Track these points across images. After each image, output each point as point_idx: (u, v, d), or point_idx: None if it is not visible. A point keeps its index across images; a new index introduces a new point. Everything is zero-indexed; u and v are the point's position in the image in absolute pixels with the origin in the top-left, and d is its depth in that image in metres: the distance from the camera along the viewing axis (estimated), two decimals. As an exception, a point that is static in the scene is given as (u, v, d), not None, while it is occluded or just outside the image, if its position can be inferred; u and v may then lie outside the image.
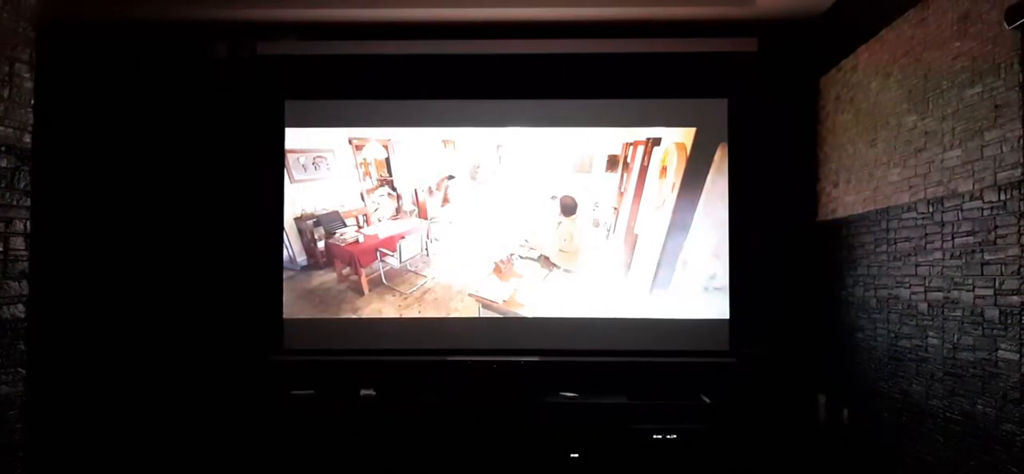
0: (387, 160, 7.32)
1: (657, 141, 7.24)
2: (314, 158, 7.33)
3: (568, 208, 7.24)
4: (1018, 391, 4.12)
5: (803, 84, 7.24)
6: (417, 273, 7.28)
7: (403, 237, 7.29)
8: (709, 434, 6.63)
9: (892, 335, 5.63)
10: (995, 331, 4.36)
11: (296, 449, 6.73)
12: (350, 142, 7.31)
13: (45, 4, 5.32)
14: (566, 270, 7.24)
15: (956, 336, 4.76)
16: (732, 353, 7.08)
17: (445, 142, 7.32)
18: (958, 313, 4.74)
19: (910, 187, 5.34)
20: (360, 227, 7.30)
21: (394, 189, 7.31)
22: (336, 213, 7.31)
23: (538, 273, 7.25)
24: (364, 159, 7.31)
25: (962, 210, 4.67)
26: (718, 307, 7.17)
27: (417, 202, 7.30)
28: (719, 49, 7.21)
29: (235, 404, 7.11)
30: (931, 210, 5.05)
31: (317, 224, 7.29)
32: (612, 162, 7.25)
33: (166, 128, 7.40)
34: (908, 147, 5.36)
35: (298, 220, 7.30)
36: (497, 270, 7.27)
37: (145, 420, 7.15)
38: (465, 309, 7.26)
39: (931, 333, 5.07)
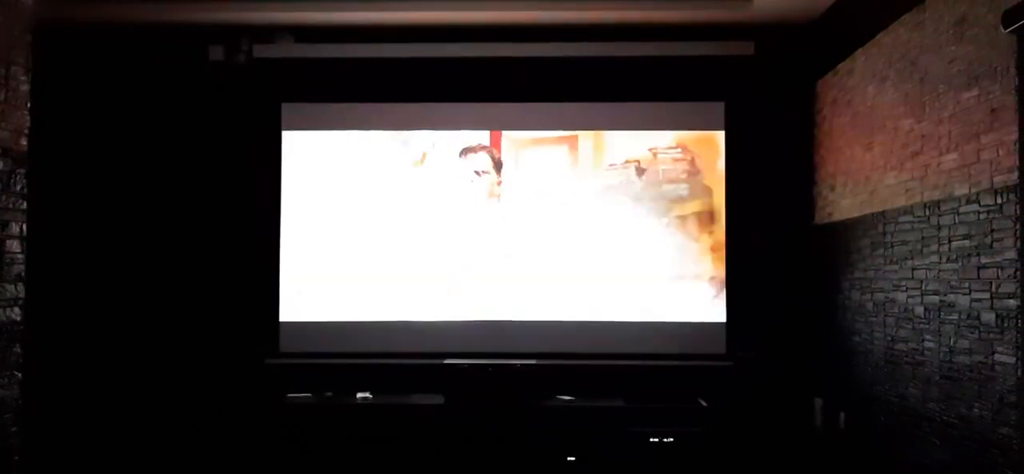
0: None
1: (657, 145, 7.25)
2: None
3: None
4: (1014, 394, 4.13)
5: (800, 87, 7.25)
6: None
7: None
8: (706, 438, 6.62)
9: (889, 339, 5.63)
10: (991, 335, 4.36)
11: (293, 453, 6.72)
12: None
13: (41, 7, 5.32)
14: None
15: (952, 340, 4.77)
16: (729, 357, 7.08)
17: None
18: (954, 317, 4.74)
19: (906, 191, 5.34)
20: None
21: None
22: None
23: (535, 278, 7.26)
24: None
25: (958, 214, 4.68)
26: (715, 310, 7.17)
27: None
28: (716, 52, 7.21)
29: (231, 408, 7.10)
30: (927, 214, 5.06)
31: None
32: (609, 166, 7.26)
33: (163, 131, 7.39)
34: (904, 150, 5.36)
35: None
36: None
37: (142, 424, 7.14)
38: (462, 312, 7.25)
39: (927, 337, 5.07)
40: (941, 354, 4.90)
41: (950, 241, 4.79)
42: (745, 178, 7.27)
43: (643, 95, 7.34)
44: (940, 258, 4.91)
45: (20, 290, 4.37)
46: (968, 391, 4.59)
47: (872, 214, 5.90)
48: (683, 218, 7.23)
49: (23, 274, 4.38)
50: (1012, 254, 4.14)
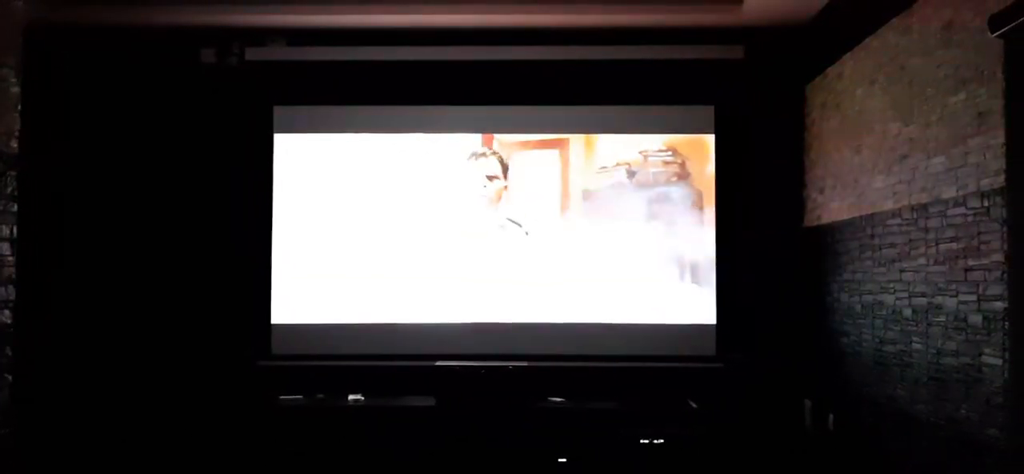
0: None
1: (648, 148, 7.28)
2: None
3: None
4: (1001, 396, 4.16)
5: (789, 91, 7.28)
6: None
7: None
8: (696, 439, 6.65)
9: (877, 340, 5.66)
10: (978, 336, 4.39)
11: (284, 455, 6.72)
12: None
13: (32, 8, 5.32)
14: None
15: (940, 341, 4.80)
16: (719, 359, 7.11)
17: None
18: (942, 319, 4.77)
19: (895, 194, 5.38)
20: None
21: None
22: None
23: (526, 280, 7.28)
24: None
25: (946, 216, 4.71)
26: (705, 313, 7.19)
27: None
28: (706, 56, 7.24)
29: (223, 411, 7.11)
30: (915, 216, 5.09)
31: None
32: (600, 169, 7.29)
33: (155, 133, 7.38)
34: (893, 154, 5.40)
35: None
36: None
37: (133, 426, 7.13)
38: (454, 315, 7.27)
39: (915, 338, 5.10)
40: (929, 356, 4.93)
41: (938, 244, 4.82)
42: (735, 181, 7.29)
43: (634, 98, 7.36)
44: (928, 260, 4.94)
45: (11, 292, 4.37)
46: (956, 392, 4.62)
47: (861, 216, 5.94)
48: (673, 220, 7.25)
49: (14, 276, 4.39)
50: (999, 256, 4.17)
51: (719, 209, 7.24)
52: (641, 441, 6.64)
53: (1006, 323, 4.12)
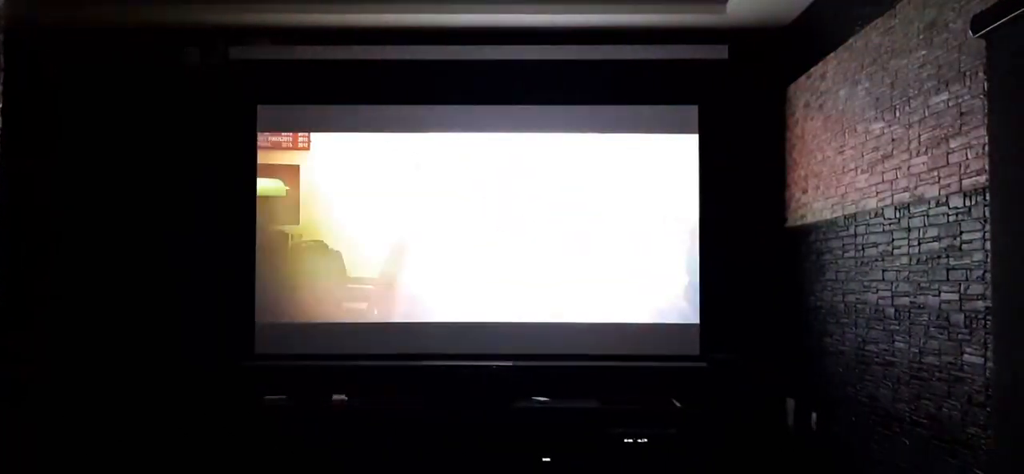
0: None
1: (632, 147, 7.30)
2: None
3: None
4: (982, 395, 4.18)
5: (773, 91, 7.31)
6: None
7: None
8: (680, 438, 6.67)
9: (860, 340, 5.69)
10: (960, 335, 4.41)
11: (268, 455, 6.70)
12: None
13: (12, 7, 5.28)
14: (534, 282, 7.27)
15: (922, 340, 4.82)
16: (702, 358, 7.13)
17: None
18: (924, 318, 4.80)
19: (877, 193, 5.40)
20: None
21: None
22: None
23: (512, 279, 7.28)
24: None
25: (928, 216, 4.74)
26: (689, 312, 7.22)
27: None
28: (690, 56, 7.28)
29: (206, 410, 7.09)
30: (898, 216, 5.12)
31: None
32: (584, 167, 7.30)
33: (138, 132, 7.35)
34: (875, 153, 5.43)
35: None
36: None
37: (116, 427, 7.10)
38: (439, 314, 7.26)
39: (898, 337, 5.13)
40: (911, 355, 4.95)
41: (920, 243, 4.85)
42: (718, 181, 7.32)
43: (618, 98, 7.38)
44: (910, 260, 4.97)
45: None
46: (937, 391, 4.65)
47: (844, 216, 5.97)
48: (657, 220, 7.27)
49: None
50: (980, 256, 4.19)
51: (703, 209, 7.26)
52: (625, 440, 6.65)
53: (987, 322, 4.14)
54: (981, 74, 4.15)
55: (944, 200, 4.56)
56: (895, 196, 5.15)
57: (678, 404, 6.87)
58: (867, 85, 5.57)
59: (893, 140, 5.17)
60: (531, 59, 7.30)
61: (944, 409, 4.58)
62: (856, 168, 5.75)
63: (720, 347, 7.12)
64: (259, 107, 7.36)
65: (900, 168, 5.08)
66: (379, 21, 7.04)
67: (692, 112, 7.33)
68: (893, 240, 5.19)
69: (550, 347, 7.24)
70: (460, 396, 6.86)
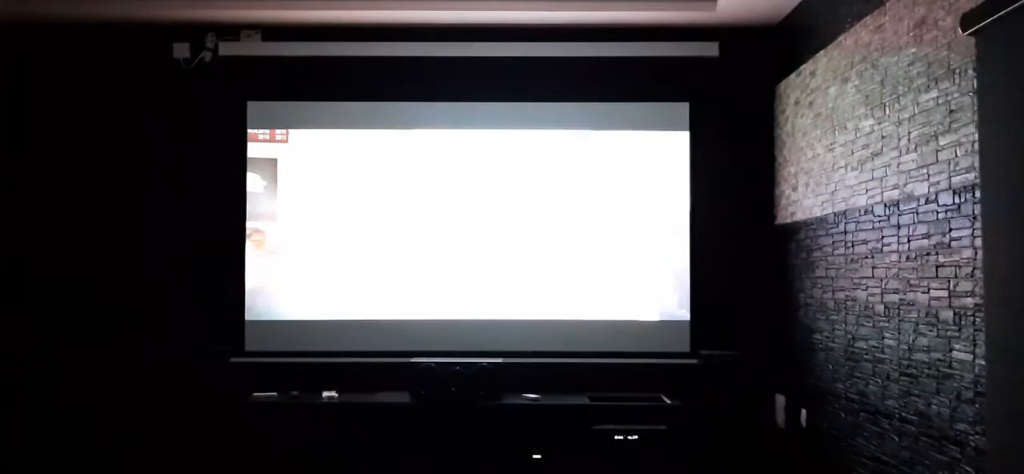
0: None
1: (623, 143, 7.31)
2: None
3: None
4: (971, 391, 4.20)
5: (763, 88, 7.33)
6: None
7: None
8: (670, 435, 6.68)
9: (849, 336, 5.71)
10: (949, 332, 4.43)
11: (258, 452, 6.68)
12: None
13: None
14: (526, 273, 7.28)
15: (912, 337, 4.84)
16: (693, 355, 7.14)
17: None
18: (914, 314, 4.82)
19: (867, 190, 5.42)
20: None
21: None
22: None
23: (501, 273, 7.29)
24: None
25: (918, 213, 4.75)
26: (679, 309, 7.23)
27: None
28: (681, 54, 7.29)
29: (196, 406, 7.08)
30: (888, 213, 5.13)
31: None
32: (574, 164, 7.31)
33: (127, 129, 7.33)
34: (865, 150, 5.44)
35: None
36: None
37: (105, 423, 7.09)
38: (429, 311, 7.26)
39: (887, 334, 5.15)
40: (900, 351, 4.97)
41: (910, 240, 4.87)
42: (709, 178, 7.34)
43: (609, 95, 7.38)
44: (900, 257, 4.99)
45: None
46: (926, 387, 4.67)
47: (834, 213, 5.98)
48: (648, 217, 7.28)
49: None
50: (969, 253, 4.21)
51: (694, 205, 7.28)
52: (615, 437, 6.66)
53: (976, 319, 4.16)
54: (971, 72, 4.17)
55: (934, 197, 4.58)
56: (885, 193, 5.17)
57: (668, 401, 6.88)
58: (857, 82, 5.59)
59: (883, 137, 5.19)
60: (521, 56, 7.30)
61: (933, 405, 4.60)
62: (846, 165, 5.76)
63: (710, 344, 7.12)
64: (249, 103, 7.33)
65: (890, 165, 5.10)
66: (370, 18, 7.04)
67: (683, 109, 7.34)
68: (883, 237, 5.21)
69: (540, 344, 7.24)
70: (451, 393, 6.85)
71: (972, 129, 4.15)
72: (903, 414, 4.94)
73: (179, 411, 7.11)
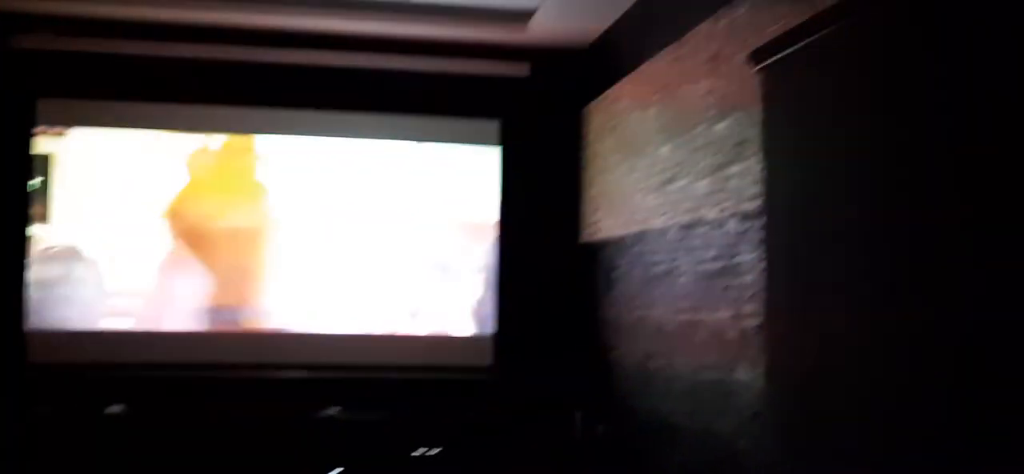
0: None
1: (432, 157, 7.31)
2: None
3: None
4: (751, 410, 4.39)
5: (572, 110, 7.47)
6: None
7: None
8: (470, 449, 6.70)
9: (644, 355, 5.88)
10: (734, 352, 4.62)
11: (40, 467, 6.29)
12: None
13: None
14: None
15: (700, 357, 5.03)
16: (495, 369, 7.20)
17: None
18: (702, 334, 5.01)
19: (664, 213, 5.60)
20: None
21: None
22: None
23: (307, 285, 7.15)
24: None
25: (708, 237, 4.95)
26: (484, 323, 7.29)
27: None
28: (493, 72, 7.36)
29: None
30: (681, 236, 5.32)
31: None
32: (384, 176, 7.26)
33: None
34: (663, 175, 5.63)
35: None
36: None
37: None
38: (230, 322, 7.04)
39: (677, 353, 5.33)
40: (689, 370, 5.15)
41: (700, 263, 5.06)
42: (518, 195, 7.43)
43: (421, 108, 7.36)
44: (690, 278, 5.18)
45: None
46: (712, 406, 4.85)
47: (632, 234, 6.16)
48: (457, 231, 7.31)
49: None
50: (753, 276, 4.41)
51: (501, 222, 7.35)
52: (417, 450, 6.63)
53: (759, 339, 4.35)
54: (758, 104, 4.37)
55: (722, 222, 4.77)
56: (679, 217, 5.35)
57: (470, 415, 6.91)
58: (657, 110, 5.78)
59: (678, 164, 5.37)
60: (331, 65, 7.20)
61: (718, 423, 4.78)
62: (645, 188, 5.94)
63: (513, 359, 7.21)
64: (40, 101, 6.89)
65: (684, 190, 5.28)
66: (171, 17, 6.79)
67: (494, 126, 7.41)
68: (676, 259, 5.40)
69: (345, 357, 7.13)
70: (250, 406, 6.66)
71: (759, 159, 4.35)
72: (691, 430, 5.11)
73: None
